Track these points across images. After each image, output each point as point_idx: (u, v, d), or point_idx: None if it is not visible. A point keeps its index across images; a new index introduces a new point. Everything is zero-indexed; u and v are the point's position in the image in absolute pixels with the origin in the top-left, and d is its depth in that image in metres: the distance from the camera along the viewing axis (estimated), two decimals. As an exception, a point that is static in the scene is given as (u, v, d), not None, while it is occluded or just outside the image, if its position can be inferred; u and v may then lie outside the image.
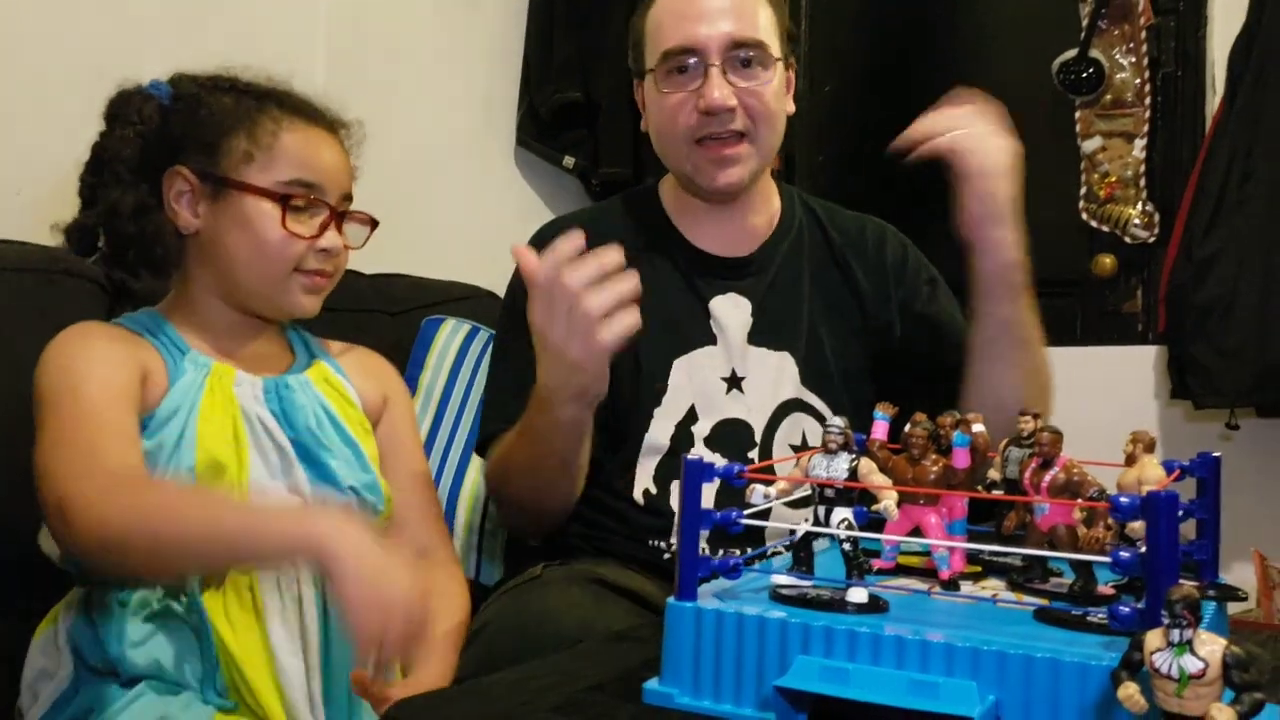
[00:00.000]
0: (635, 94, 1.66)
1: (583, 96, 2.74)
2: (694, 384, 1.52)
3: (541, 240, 1.60)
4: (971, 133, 1.44)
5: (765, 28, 1.53)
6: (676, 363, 1.53)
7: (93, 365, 1.18)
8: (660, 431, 1.51)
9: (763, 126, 1.53)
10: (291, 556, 1.06)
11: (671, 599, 0.85)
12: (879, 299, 1.62)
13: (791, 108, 1.62)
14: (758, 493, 0.91)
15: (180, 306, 1.29)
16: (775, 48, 1.54)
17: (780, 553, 1.11)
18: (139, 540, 1.04)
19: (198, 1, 2.04)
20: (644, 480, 1.50)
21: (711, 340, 1.55)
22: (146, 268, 1.26)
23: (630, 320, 1.23)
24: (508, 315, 1.60)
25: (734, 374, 1.53)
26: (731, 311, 1.56)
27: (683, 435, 1.50)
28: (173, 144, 1.24)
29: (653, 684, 0.84)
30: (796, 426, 1.54)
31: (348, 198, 1.28)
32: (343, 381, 1.37)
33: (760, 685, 0.80)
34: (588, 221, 1.62)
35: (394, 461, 1.39)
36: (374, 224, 1.33)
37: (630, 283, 1.23)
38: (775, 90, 1.54)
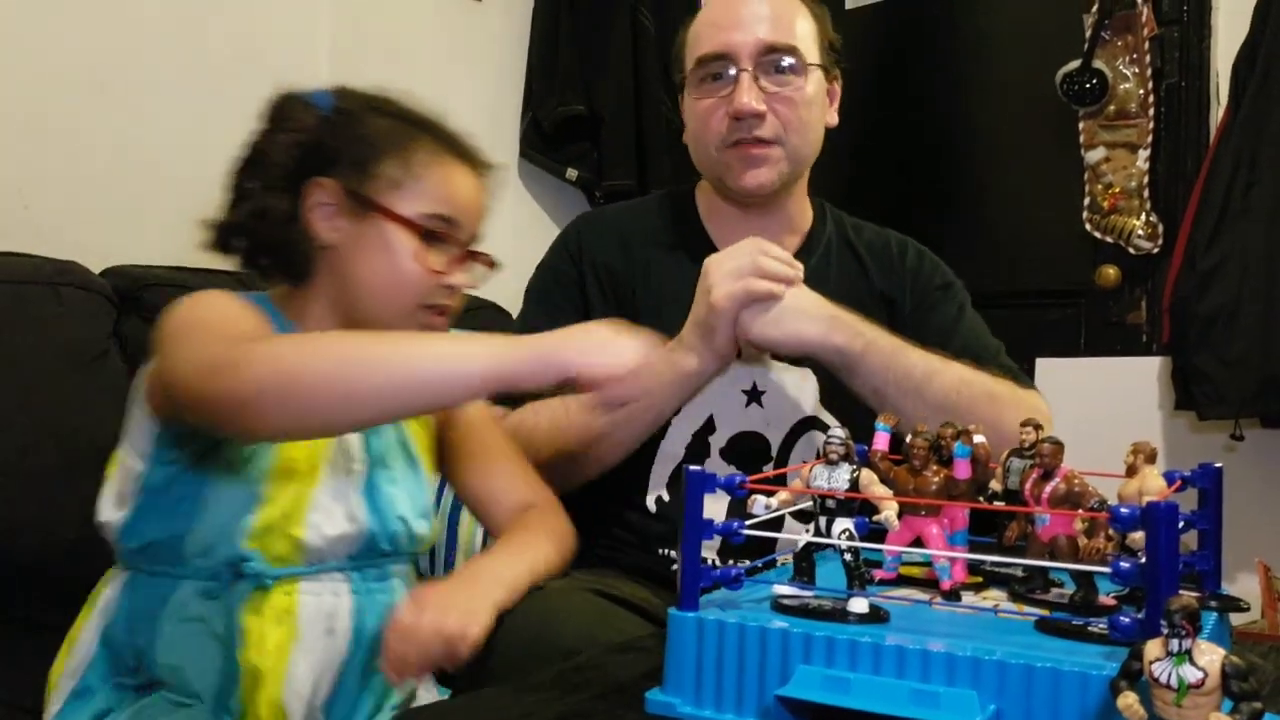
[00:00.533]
0: (680, 107, 1.66)
1: (586, 109, 2.75)
2: (714, 394, 1.51)
3: (583, 223, 1.68)
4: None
5: (802, 35, 1.54)
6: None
7: (227, 308, 1.16)
8: (676, 440, 1.51)
9: (794, 134, 1.53)
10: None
11: (673, 609, 0.85)
12: (902, 313, 1.61)
13: (834, 119, 1.62)
14: (759, 504, 0.91)
15: (290, 305, 1.26)
16: (812, 55, 1.54)
17: (786, 561, 1.11)
18: (319, 374, 0.99)
19: (202, 17, 2.05)
20: (657, 488, 1.51)
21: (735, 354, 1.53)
22: (281, 273, 1.24)
23: None
24: (548, 285, 1.64)
25: (755, 387, 1.53)
26: None
27: (699, 445, 1.50)
28: (326, 156, 1.22)
29: (655, 694, 0.84)
30: (812, 445, 1.52)
31: (479, 237, 1.28)
32: None
33: (762, 695, 0.80)
34: (626, 217, 1.66)
35: (475, 443, 1.39)
36: (494, 266, 1.32)
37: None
38: (809, 98, 1.54)
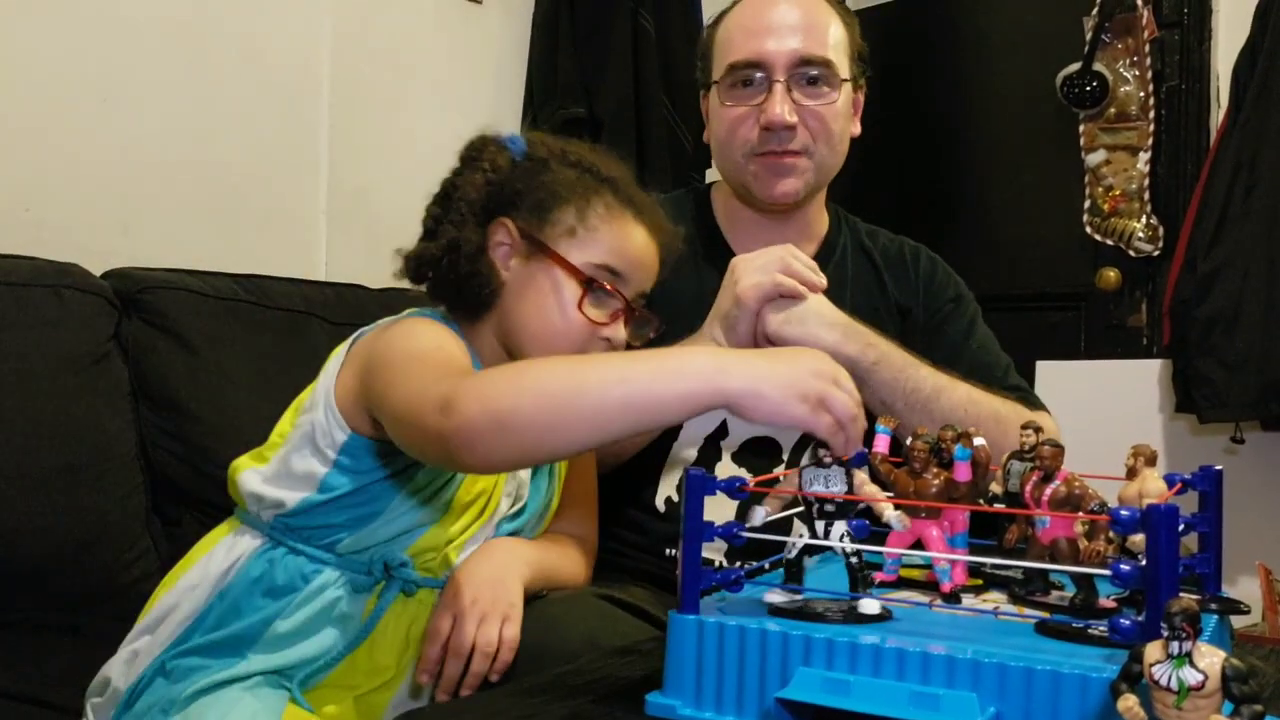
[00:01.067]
0: (701, 105, 1.66)
1: (586, 112, 2.75)
2: None
3: None
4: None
5: (835, 45, 1.53)
6: None
7: (438, 337, 1.18)
8: (688, 443, 1.51)
9: (822, 146, 1.52)
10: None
11: (674, 611, 0.85)
12: (916, 323, 1.61)
13: (857, 129, 1.62)
14: (758, 513, 0.91)
15: (469, 332, 1.28)
16: (843, 67, 1.53)
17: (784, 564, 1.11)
18: (529, 405, 0.97)
19: (203, 21, 2.05)
20: (667, 489, 1.50)
21: None
22: (464, 305, 1.27)
23: None
24: None
25: None
26: None
27: (710, 448, 1.50)
28: (511, 197, 1.26)
29: (655, 696, 0.84)
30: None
31: (644, 296, 1.30)
32: None
33: (762, 697, 0.80)
34: None
35: (576, 465, 1.42)
36: (660, 327, 1.34)
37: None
38: (839, 111, 1.53)
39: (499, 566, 1.22)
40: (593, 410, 0.96)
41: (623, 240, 1.26)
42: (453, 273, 1.23)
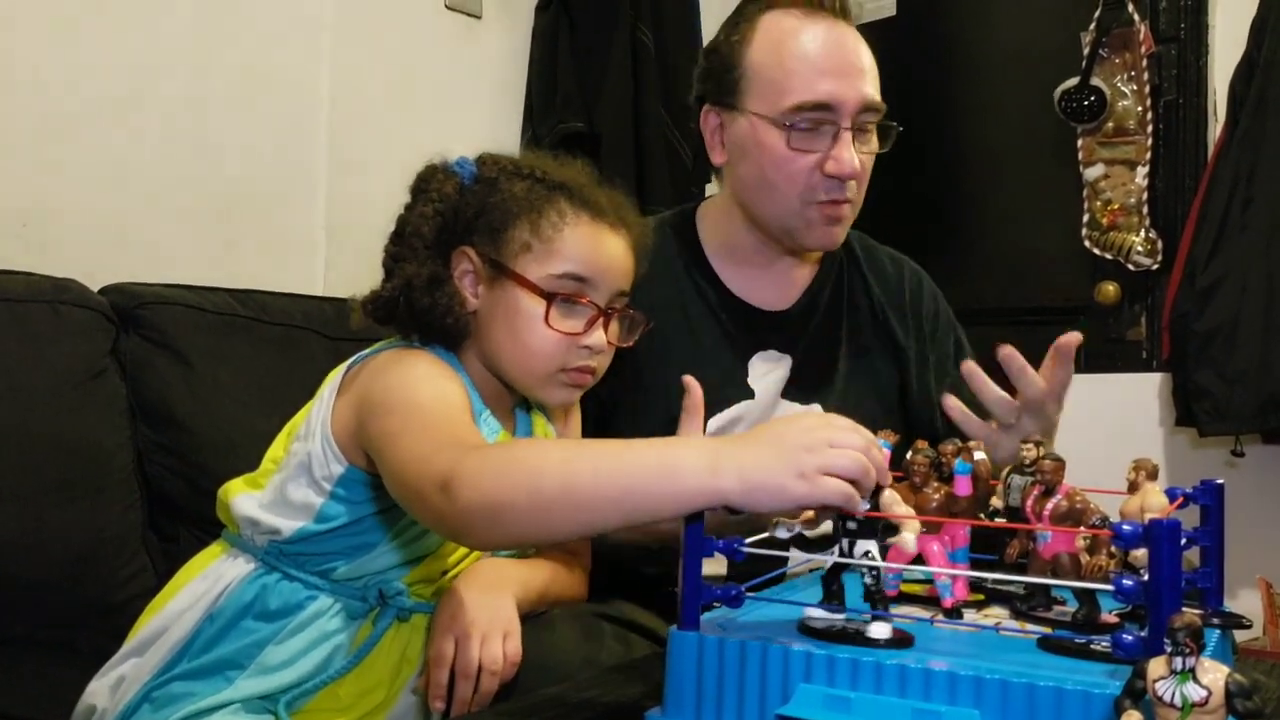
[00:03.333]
0: (702, 120, 1.55)
1: (585, 126, 2.75)
2: (730, 434, 1.47)
3: None
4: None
5: (879, 85, 1.48)
6: (713, 420, 1.47)
7: (438, 383, 1.17)
8: None
9: (861, 193, 1.49)
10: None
11: (674, 628, 0.85)
12: (911, 351, 1.60)
13: None
14: (782, 526, 0.90)
15: (465, 362, 1.28)
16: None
17: (795, 576, 1.10)
18: (523, 500, 0.96)
19: (203, 38, 2.05)
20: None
21: (749, 395, 1.50)
22: (438, 337, 1.25)
23: None
24: None
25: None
26: (771, 369, 1.52)
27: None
28: (465, 224, 1.24)
29: (655, 713, 0.84)
30: None
31: (623, 294, 1.28)
32: (551, 431, 1.37)
33: (763, 714, 0.79)
34: None
35: None
36: (647, 324, 1.32)
37: None
38: (875, 153, 1.50)
39: (489, 585, 1.20)
40: (584, 507, 0.93)
41: (582, 245, 1.23)
42: (412, 310, 1.22)
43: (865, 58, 1.47)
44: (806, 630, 0.84)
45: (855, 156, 1.43)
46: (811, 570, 1.10)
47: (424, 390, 1.14)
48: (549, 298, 1.20)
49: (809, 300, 1.57)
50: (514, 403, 1.32)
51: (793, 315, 1.56)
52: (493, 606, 1.17)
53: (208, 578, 1.22)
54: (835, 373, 1.54)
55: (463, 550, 1.24)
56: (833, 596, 0.88)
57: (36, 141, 1.83)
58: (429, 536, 1.20)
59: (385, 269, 1.27)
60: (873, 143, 1.48)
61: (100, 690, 1.21)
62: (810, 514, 0.90)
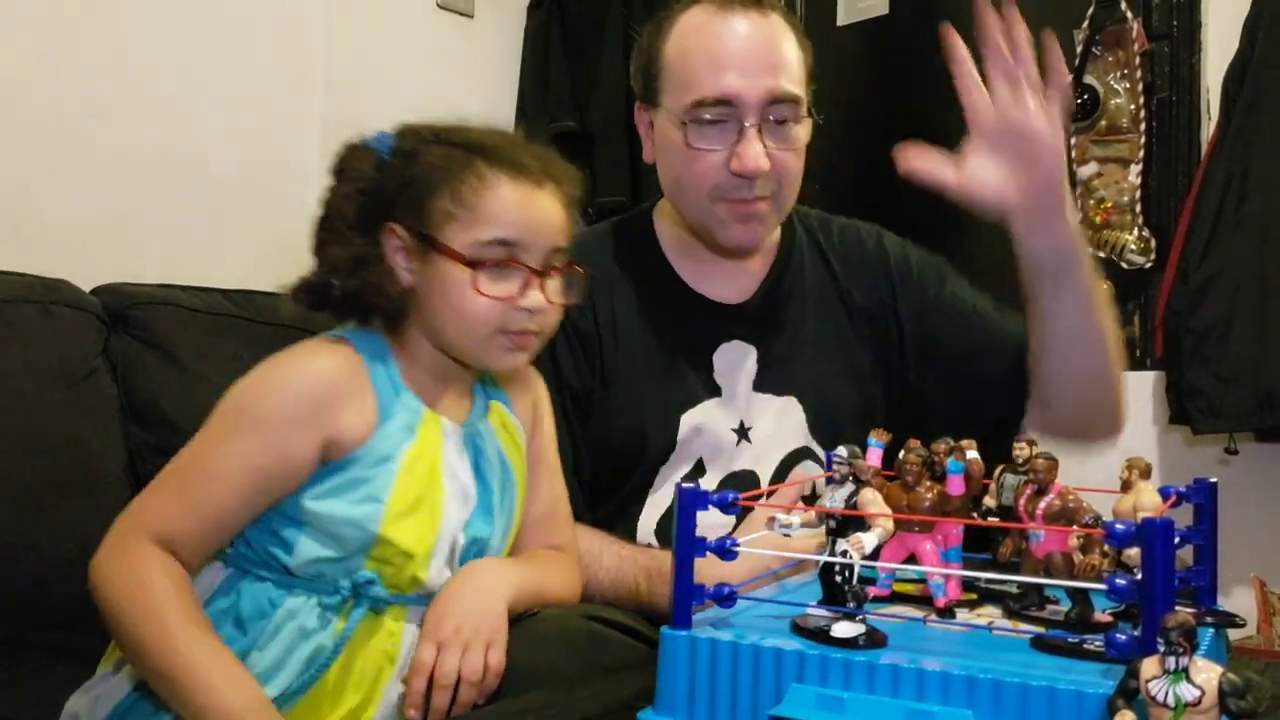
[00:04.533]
0: (636, 117, 1.56)
1: (578, 125, 2.75)
2: (702, 438, 1.47)
3: None
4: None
5: (799, 78, 1.44)
6: (684, 417, 1.47)
7: (259, 427, 1.16)
8: (667, 487, 1.47)
9: (786, 187, 1.45)
10: None
11: (666, 627, 0.84)
12: (884, 318, 1.56)
13: (802, 166, 1.51)
14: (778, 523, 0.90)
15: (399, 340, 1.26)
16: (805, 98, 1.45)
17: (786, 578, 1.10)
18: (117, 625, 1.09)
19: (195, 35, 2.05)
20: (646, 536, 1.47)
21: (716, 392, 1.49)
22: (378, 317, 1.24)
23: None
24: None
25: (742, 424, 1.48)
26: (736, 361, 1.50)
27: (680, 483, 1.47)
28: (388, 199, 1.21)
29: (647, 714, 0.84)
30: (801, 469, 1.49)
31: (560, 251, 1.23)
32: (515, 423, 1.34)
33: (755, 714, 0.79)
34: (580, 250, 1.60)
35: (538, 475, 1.37)
36: (588, 276, 1.29)
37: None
38: (802, 148, 1.46)
39: (482, 590, 1.18)
40: (144, 670, 1.09)
41: (505, 208, 1.19)
42: (343, 293, 1.20)
43: (779, 50, 1.42)
44: (799, 630, 0.84)
45: (761, 153, 1.39)
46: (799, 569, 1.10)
47: (213, 432, 1.17)
48: (475, 265, 1.17)
49: (767, 290, 1.55)
50: (473, 379, 1.30)
51: (752, 306, 1.54)
52: (481, 613, 1.15)
53: None
54: (804, 360, 1.52)
55: (417, 525, 1.18)
56: (830, 595, 0.88)
57: (28, 141, 1.83)
58: (361, 513, 1.16)
59: (314, 254, 1.25)
60: (793, 137, 1.44)
61: (81, 702, 1.20)
62: (810, 514, 0.90)
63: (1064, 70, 1.30)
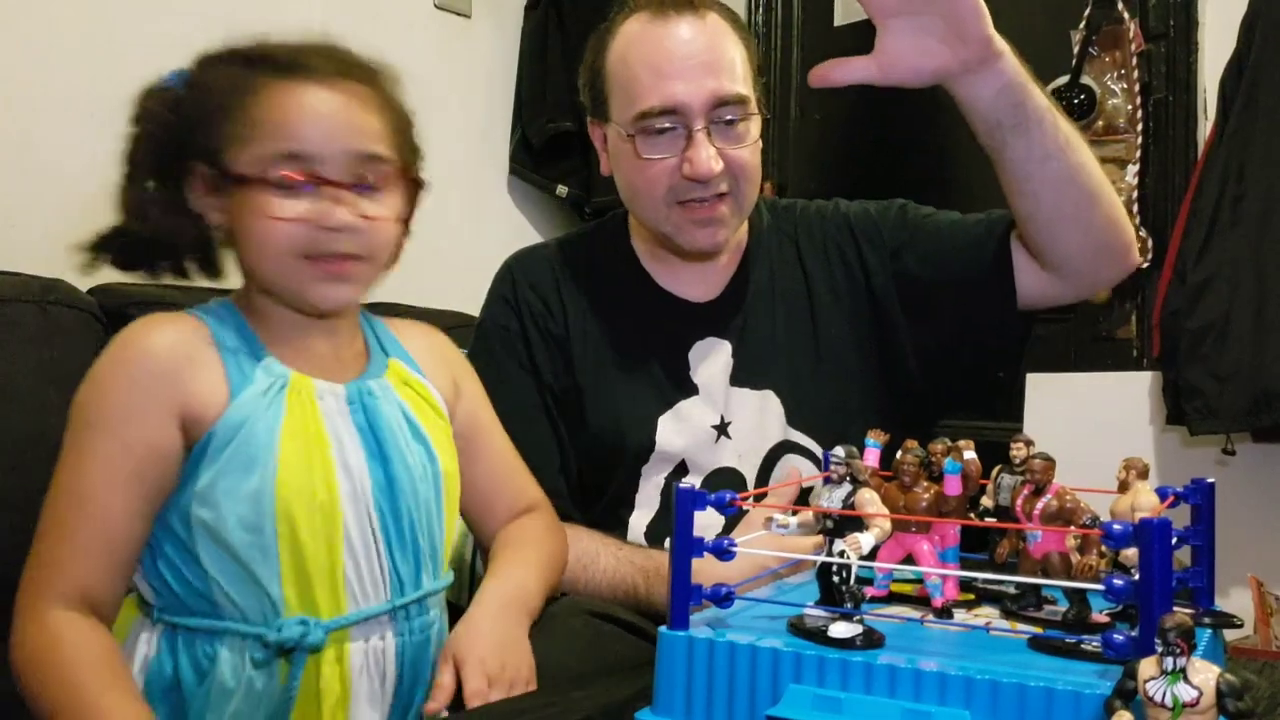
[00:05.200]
0: (590, 132, 1.56)
1: (575, 126, 2.75)
2: (683, 438, 1.47)
3: (517, 268, 1.59)
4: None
5: (743, 76, 1.44)
6: (662, 419, 1.48)
7: (110, 426, 1.07)
8: (652, 489, 1.48)
9: (745, 185, 1.45)
10: None
11: (663, 628, 0.84)
12: (860, 285, 1.54)
13: (760, 159, 1.50)
14: (775, 524, 0.89)
15: (246, 300, 1.17)
16: (753, 97, 1.45)
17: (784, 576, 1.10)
18: (28, 697, 1.02)
19: (190, 35, 2.04)
20: (635, 540, 1.47)
21: (694, 391, 1.49)
22: (199, 270, 1.16)
23: None
24: (494, 349, 1.55)
25: (722, 420, 1.49)
26: (712, 358, 1.51)
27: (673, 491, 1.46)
28: (182, 137, 1.10)
29: (645, 713, 0.84)
30: (787, 470, 1.49)
31: (370, 159, 1.11)
32: (421, 380, 1.24)
33: (753, 714, 0.79)
34: (559, 253, 1.60)
35: (479, 446, 1.31)
36: (418, 185, 1.16)
37: None
38: (756, 147, 1.46)
39: (518, 650, 1.12)
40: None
41: (288, 116, 1.08)
42: (146, 245, 1.12)
43: (719, 50, 1.42)
44: (797, 630, 0.84)
45: (713, 156, 1.39)
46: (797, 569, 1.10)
47: (70, 454, 1.08)
48: (267, 184, 1.07)
49: (737, 285, 1.55)
50: (363, 338, 1.23)
51: (723, 302, 1.54)
52: (521, 653, 1.12)
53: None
54: (778, 352, 1.52)
55: (339, 570, 1.09)
56: (827, 595, 0.88)
57: (24, 140, 1.83)
58: (246, 507, 1.06)
59: (117, 210, 1.16)
60: (743, 134, 1.43)
61: None
62: (808, 516, 0.90)
63: None
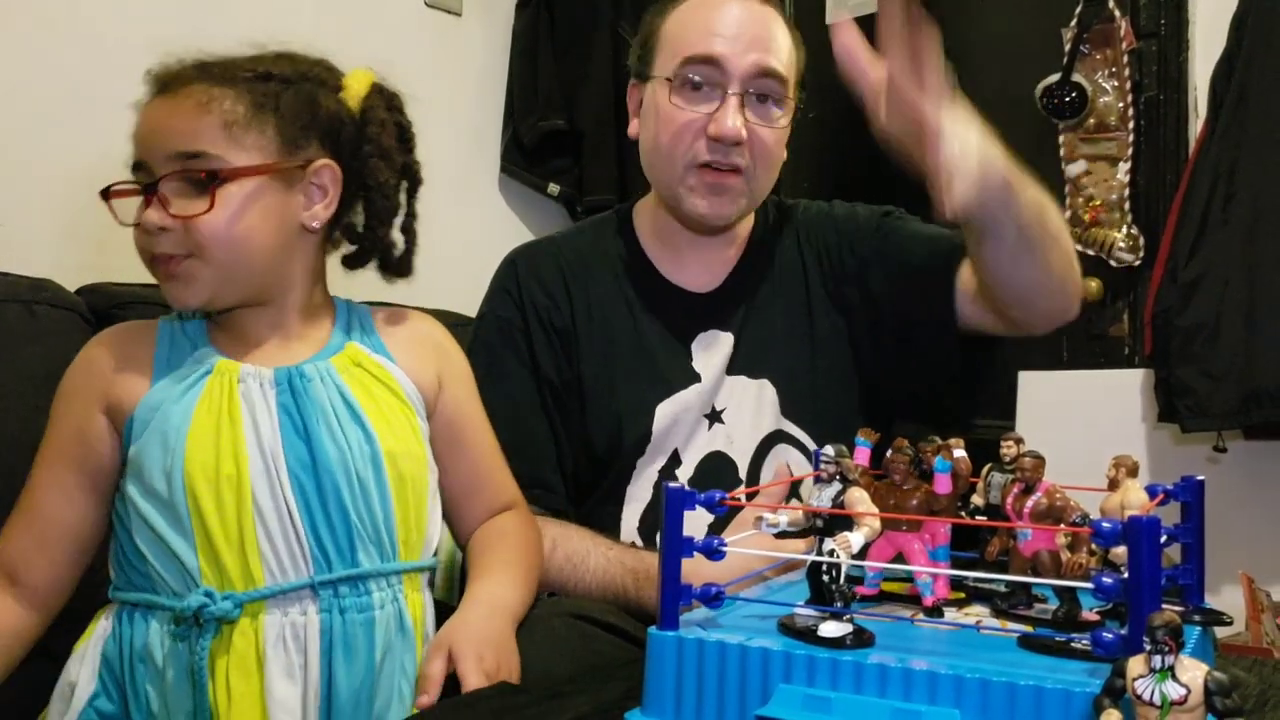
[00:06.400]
0: (628, 98, 1.59)
1: (566, 124, 2.75)
2: (678, 426, 1.49)
3: (521, 261, 1.59)
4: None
5: (789, 64, 1.48)
6: (660, 408, 1.49)
7: (52, 420, 1.22)
8: (644, 483, 1.49)
9: (761, 167, 1.48)
10: None
11: (653, 628, 0.84)
12: (848, 286, 1.57)
13: (784, 154, 1.54)
14: (765, 522, 0.89)
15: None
16: (793, 88, 1.49)
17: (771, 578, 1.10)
18: None
19: (178, 34, 2.03)
20: (629, 535, 1.47)
21: (695, 379, 1.51)
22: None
23: None
24: (493, 343, 1.55)
25: (714, 409, 1.51)
26: (714, 348, 1.53)
27: (667, 481, 1.46)
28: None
29: (634, 714, 0.84)
30: (781, 460, 1.50)
31: (191, 155, 1.17)
32: (381, 361, 1.26)
33: (742, 714, 0.79)
34: (563, 245, 1.61)
35: (463, 439, 1.33)
36: (215, 177, 1.16)
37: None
38: (781, 136, 1.49)
39: (507, 651, 1.15)
40: None
41: (138, 129, 1.23)
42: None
43: (770, 31, 1.47)
44: (787, 630, 0.84)
45: (740, 122, 1.43)
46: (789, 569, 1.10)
47: (46, 434, 1.22)
48: (116, 191, 1.23)
49: (740, 276, 1.58)
50: (329, 325, 1.29)
51: (725, 293, 1.56)
52: (509, 657, 1.14)
53: (90, 637, 1.20)
54: (776, 343, 1.54)
55: (252, 543, 1.12)
56: (817, 594, 0.88)
57: (11, 140, 1.82)
58: (158, 476, 1.13)
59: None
60: (775, 116, 1.47)
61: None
62: (799, 515, 0.90)
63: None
